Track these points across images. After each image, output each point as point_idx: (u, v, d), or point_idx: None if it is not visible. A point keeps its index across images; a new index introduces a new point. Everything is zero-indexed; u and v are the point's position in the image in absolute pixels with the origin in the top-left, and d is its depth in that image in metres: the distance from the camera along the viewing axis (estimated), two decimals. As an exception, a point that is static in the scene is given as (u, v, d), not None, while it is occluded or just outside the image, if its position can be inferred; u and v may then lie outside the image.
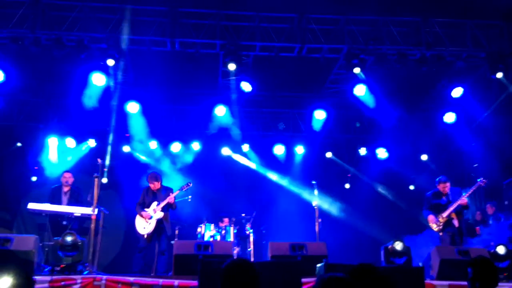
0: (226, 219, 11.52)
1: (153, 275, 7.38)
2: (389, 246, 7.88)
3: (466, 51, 10.59)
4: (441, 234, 9.17)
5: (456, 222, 9.06)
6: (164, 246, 8.83)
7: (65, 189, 9.26)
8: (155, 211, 8.89)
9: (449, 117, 12.26)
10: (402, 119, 13.03)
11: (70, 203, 9.05)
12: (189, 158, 13.44)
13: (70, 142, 12.61)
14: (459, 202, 9.00)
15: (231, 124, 12.85)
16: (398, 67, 10.65)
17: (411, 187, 13.63)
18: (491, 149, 12.32)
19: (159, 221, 8.89)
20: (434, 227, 9.22)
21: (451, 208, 9.06)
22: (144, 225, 8.86)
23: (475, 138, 12.84)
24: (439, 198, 9.39)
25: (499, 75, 10.58)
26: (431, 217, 9.24)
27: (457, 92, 11.35)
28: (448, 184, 9.41)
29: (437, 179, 9.56)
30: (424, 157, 13.53)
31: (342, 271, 3.33)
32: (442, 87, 11.79)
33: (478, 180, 9.33)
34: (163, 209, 8.94)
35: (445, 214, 9.08)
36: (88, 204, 8.39)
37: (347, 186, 14.07)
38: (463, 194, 9.21)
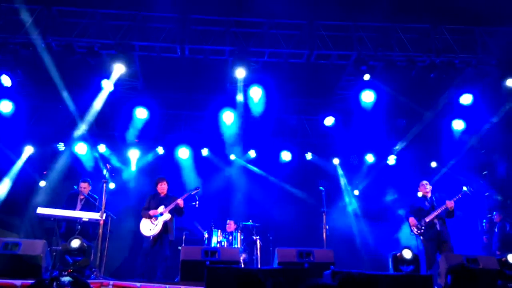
0: (231, 222, 11.51)
1: (160, 281, 7.37)
2: (398, 254, 7.82)
3: (476, 58, 10.55)
4: (422, 238, 9.07)
5: (438, 226, 8.97)
6: (167, 252, 8.83)
7: (81, 196, 9.31)
8: (162, 213, 8.92)
9: (458, 124, 12.20)
10: (410, 125, 13.01)
11: (83, 209, 9.09)
12: (196, 164, 13.48)
13: (81, 147, 12.66)
14: (445, 205, 8.90)
15: (238, 129, 12.87)
16: (408, 74, 10.64)
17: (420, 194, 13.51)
18: (500, 156, 12.23)
19: (165, 224, 8.91)
20: (415, 230, 9.13)
21: (435, 213, 8.98)
22: (150, 227, 8.88)
23: (484, 145, 12.77)
24: (421, 203, 9.30)
25: (510, 82, 10.50)
26: (412, 220, 9.16)
27: (466, 99, 11.28)
28: (425, 183, 9.35)
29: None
30: (433, 164, 13.42)
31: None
32: (451, 94, 11.72)
33: (465, 188, 9.14)
34: (170, 213, 8.97)
35: (428, 218, 9.01)
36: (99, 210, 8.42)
37: (356, 192, 13.99)
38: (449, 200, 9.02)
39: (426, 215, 9.05)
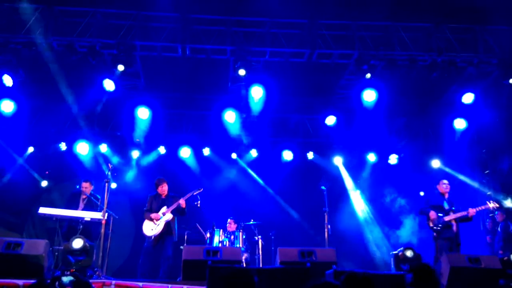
0: (231, 221, 11.49)
1: (162, 281, 7.37)
2: (399, 253, 7.83)
3: (478, 57, 10.51)
4: (435, 234, 9.09)
5: (454, 228, 9.00)
6: (170, 252, 8.84)
7: (83, 196, 9.32)
8: (164, 213, 8.93)
9: (460, 123, 12.19)
10: (412, 124, 13.00)
11: (85, 209, 9.10)
12: (198, 163, 13.48)
13: (83, 146, 12.66)
14: (467, 212, 8.95)
15: (240, 129, 12.87)
16: (409, 73, 10.62)
17: (422, 193, 13.52)
18: (502, 155, 12.22)
19: (167, 224, 8.91)
20: (431, 224, 9.13)
21: (455, 216, 9.01)
22: (152, 227, 8.90)
23: (486, 144, 12.76)
24: (440, 201, 9.32)
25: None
26: (433, 214, 9.13)
27: (468, 98, 11.27)
28: (446, 182, 9.40)
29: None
30: (435, 163, 13.40)
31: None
32: (452, 93, 11.70)
33: (488, 202, 9.23)
34: (172, 213, 8.97)
35: (447, 218, 9.02)
36: (101, 210, 8.43)
37: (357, 192, 13.97)
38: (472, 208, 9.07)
39: (446, 214, 9.09)
